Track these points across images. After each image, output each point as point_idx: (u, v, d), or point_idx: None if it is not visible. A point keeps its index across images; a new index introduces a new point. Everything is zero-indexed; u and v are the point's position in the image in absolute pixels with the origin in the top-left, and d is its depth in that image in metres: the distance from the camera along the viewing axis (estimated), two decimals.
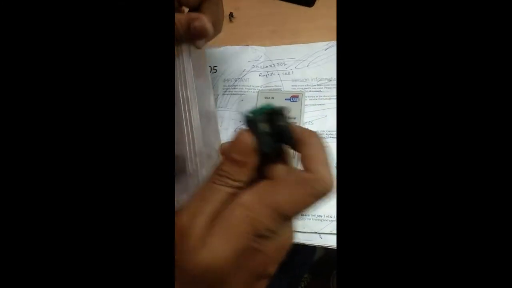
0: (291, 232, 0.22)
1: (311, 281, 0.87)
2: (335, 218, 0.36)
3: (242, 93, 0.44)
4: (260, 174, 0.22)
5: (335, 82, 0.42)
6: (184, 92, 0.31)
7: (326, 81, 0.43)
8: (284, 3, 0.49)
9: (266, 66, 0.45)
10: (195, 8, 0.31)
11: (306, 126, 0.41)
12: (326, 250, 0.84)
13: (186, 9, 0.31)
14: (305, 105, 0.40)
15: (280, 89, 0.43)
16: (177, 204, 0.21)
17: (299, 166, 0.21)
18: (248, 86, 0.45)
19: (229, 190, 0.21)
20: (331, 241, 0.35)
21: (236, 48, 0.46)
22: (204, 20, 0.28)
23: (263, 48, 0.46)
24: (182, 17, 0.29)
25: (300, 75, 0.44)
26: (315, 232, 0.36)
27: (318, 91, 0.42)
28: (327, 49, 0.44)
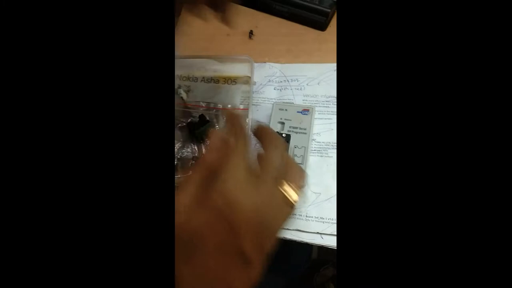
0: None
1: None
2: (336, 221, 0.40)
3: (258, 104, 0.49)
4: None
5: None
6: None
7: (333, 98, 0.47)
8: (300, 25, 0.53)
9: (281, 81, 0.49)
10: None
11: (315, 137, 0.45)
12: (319, 252, 0.88)
13: None
14: (314, 118, 0.44)
15: (292, 103, 0.48)
16: None
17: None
18: (263, 98, 0.49)
19: None
20: (331, 242, 0.39)
21: (255, 64, 0.50)
22: None
23: (278, 65, 0.51)
24: None
25: (311, 91, 0.48)
26: (317, 233, 0.40)
27: (326, 106, 0.47)
28: (336, 69, 0.48)
